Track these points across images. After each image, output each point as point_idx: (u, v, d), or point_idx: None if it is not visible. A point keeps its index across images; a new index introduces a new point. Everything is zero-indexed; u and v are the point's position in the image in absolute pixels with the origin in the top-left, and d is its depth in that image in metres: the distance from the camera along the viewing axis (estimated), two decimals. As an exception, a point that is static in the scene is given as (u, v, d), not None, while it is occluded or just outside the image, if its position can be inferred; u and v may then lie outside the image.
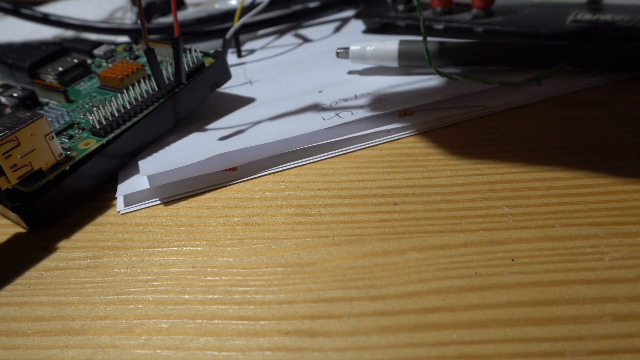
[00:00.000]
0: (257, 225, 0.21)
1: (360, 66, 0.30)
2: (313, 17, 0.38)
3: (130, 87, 0.24)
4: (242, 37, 0.35)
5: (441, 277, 0.17)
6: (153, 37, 0.34)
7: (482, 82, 0.25)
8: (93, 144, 0.23)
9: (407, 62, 0.28)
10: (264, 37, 0.37)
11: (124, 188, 0.23)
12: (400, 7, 0.34)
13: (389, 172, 0.22)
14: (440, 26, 0.32)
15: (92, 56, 0.29)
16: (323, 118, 0.25)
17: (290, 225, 0.20)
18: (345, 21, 0.37)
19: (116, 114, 0.23)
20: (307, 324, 0.16)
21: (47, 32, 0.40)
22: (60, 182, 0.22)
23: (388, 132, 0.25)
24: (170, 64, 0.25)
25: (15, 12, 0.35)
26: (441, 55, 0.28)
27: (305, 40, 0.35)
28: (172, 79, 0.25)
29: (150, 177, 0.23)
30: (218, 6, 0.38)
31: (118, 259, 0.20)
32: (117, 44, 0.30)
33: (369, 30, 0.35)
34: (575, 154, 0.22)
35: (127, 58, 0.28)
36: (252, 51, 0.35)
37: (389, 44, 0.28)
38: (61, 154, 0.21)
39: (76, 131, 0.24)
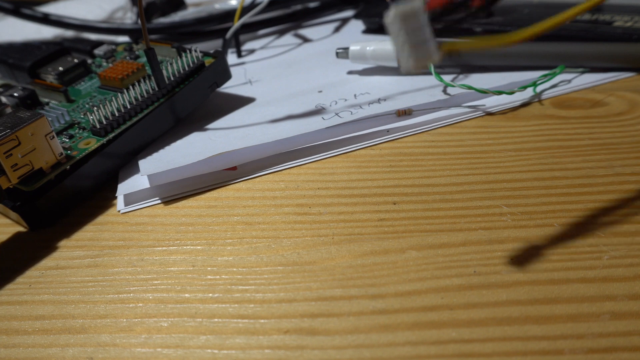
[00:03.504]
0: (257, 224, 0.21)
1: (360, 66, 0.30)
2: (313, 17, 0.38)
3: (131, 87, 0.24)
4: (242, 37, 0.35)
5: (440, 275, 0.17)
6: (153, 37, 0.34)
7: (479, 92, 0.25)
8: (93, 143, 0.23)
9: (407, 62, 0.28)
10: (264, 37, 0.37)
11: (124, 187, 0.23)
12: (400, 7, 0.34)
13: (389, 171, 0.22)
14: (439, 26, 0.32)
15: (93, 56, 0.29)
16: (323, 118, 0.25)
17: (290, 224, 0.20)
18: (345, 21, 0.37)
19: (116, 114, 0.23)
20: (307, 322, 0.16)
21: (47, 32, 0.40)
22: (60, 181, 0.22)
23: (387, 131, 0.25)
24: (171, 64, 0.25)
25: (16, 12, 0.35)
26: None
27: (305, 40, 0.35)
28: (172, 78, 0.25)
29: (150, 177, 0.23)
30: (218, 6, 0.38)
31: (118, 258, 0.20)
32: (117, 44, 0.30)
33: (368, 31, 0.35)
34: (574, 154, 0.22)
35: (128, 58, 0.28)
36: (252, 51, 0.35)
37: (388, 44, 0.28)
38: (62, 154, 0.22)
39: (76, 131, 0.24)
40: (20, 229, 0.22)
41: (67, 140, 0.23)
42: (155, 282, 0.19)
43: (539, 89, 0.26)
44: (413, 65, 0.15)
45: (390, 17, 0.15)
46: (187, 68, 0.26)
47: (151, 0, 0.37)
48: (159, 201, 0.22)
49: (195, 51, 0.26)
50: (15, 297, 0.19)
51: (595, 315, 0.16)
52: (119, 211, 0.22)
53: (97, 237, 0.21)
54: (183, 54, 0.26)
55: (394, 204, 0.21)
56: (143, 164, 0.23)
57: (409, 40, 0.15)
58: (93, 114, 0.23)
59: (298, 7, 0.37)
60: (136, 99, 0.24)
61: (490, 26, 0.30)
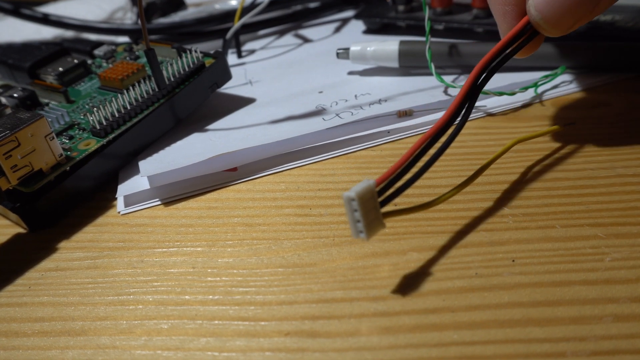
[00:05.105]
0: (258, 225, 0.20)
1: (361, 67, 0.30)
2: (313, 17, 0.38)
3: (131, 88, 0.24)
4: (242, 38, 0.35)
5: (442, 277, 0.17)
6: (153, 37, 0.34)
7: (480, 93, 0.25)
8: (93, 144, 0.23)
9: (408, 63, 0.28)
10: (264, 37, 0.37)
11: (125, 188, 0.23)
12: (401, 8, 0.34)
13: (390, 172, 0.22)
14: (440, 26, 0.32)
15: (93, 56, 0.29)
16: (323, 118, 0.25)
17: (291, 225, 0.20)
18: (345, 21, 0.37)
19: (116, 115, 0.23)
20: (308, 324, 0.16)
21: (47, 33, 0.40)
22: (60, 182, 0.22)
23: (388, 132, 0.25)
24: (171, 65, 0.25)
25: (16, 12, 0.35)
26: (443, 57, 0.28)
27: (306, 40, 0.35)
28: (172, 79, 0.25)
29: (150, 178, 0.23)
30: (218, 6, 0.38)
31: (118, 260, 0.20)
32: (117, 44, 0.30)
33: (369, 31, 0.35)
34: (575, 155, 0.22)
35: (128, 58, 0.28)
36: (252, 51, 0.35)
37: (389, 45, 0.28)
38: (61, 155, 0.21)
39: (76, 132, 0.24)
40: (20, 230, 0.22)
41: (67, 141, 0.23)
42: (155, 283, 0.19)
43: (540, 89, 0.26)
44: (369, 237, 0.16)
45: (347, 199, 0.16)
46: (187, 69, 0.25)
47: (151, 1, 0.37)
48: (159, 202, 0.22)
49: (196, 52, 0.26)
50: (14, 298, 0.19)
51: (598, 317, 0.15)
52: (119, 212, 0.22)
53: (97, 239, 0.21)
54: (183, 55, 0.26)
55: (395, 205, 0.20)
56: (143, 165, 0.23)
57: (364, 217, 0.16)
58: (93, 115, 0.23)
59: (298, 7, 0.37)
60: (136, 99, 0.24)
61: (491, 27, 0.30)
